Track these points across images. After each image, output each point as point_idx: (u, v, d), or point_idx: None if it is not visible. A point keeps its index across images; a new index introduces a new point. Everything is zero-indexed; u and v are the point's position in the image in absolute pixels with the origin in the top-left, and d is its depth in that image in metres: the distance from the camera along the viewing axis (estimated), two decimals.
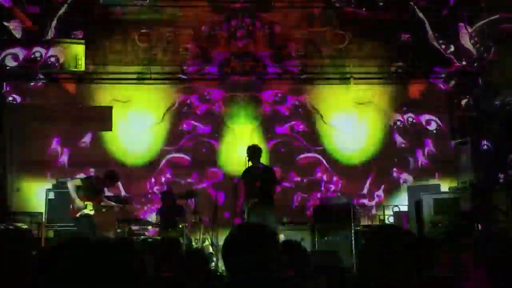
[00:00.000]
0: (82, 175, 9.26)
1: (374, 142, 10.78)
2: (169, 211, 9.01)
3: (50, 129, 10.40)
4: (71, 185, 8.31)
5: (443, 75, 10.79)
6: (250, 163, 8.39)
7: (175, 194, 9.18)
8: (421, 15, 10.82)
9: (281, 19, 10.95)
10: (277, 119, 10.78)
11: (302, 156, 10.69)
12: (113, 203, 8.66)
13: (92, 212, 8.20)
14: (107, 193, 8.93)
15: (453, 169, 10.33)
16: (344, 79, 10.87)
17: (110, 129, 10.48)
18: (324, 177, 10.63)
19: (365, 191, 10.53)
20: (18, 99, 10.37)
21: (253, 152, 8.45)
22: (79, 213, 8.17)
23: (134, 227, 8.65)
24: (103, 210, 8.44)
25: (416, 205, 8.99)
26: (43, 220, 8.96)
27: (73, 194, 8.18)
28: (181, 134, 10.66)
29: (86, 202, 8.19)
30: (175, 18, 10.85)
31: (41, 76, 10.40)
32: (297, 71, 10.91)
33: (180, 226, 8.53)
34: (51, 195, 9.17)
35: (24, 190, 10.01)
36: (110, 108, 10.55)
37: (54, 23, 10.39)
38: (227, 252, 2.37)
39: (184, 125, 10.70)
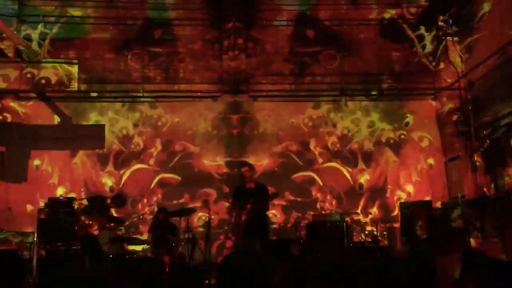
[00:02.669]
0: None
1: (367, 157, 10.87)
2: (162, 228, 8.98)
3: (42, 148, 10.40)
4: (76, 204, 8.36)
5: (433, 92, 10.92)
6: (245, 181, 8.44)
7: (168, 211, 9.15)
8: (410, 32, 11.02)
9: (272, 38, 11.05)
10: (271, 138, 10.82)
11: (297, 175, 10.69)
12: (117, 224, 8.65)
13: (97, 232, 8.26)
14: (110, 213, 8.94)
15: (445, 185, 10.38)
16: (336, 96, 10.96)
17: (103, 148, 10.52)
18: (319, 196, 10.65)
19: (359, 207, 10.55)
20: (10, 118, 10.39)
21: (247, 170, 8.49)
22: (85, 232, 8.23)
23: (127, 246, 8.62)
24: (108, 230, 8.49)
25: (408, 221, 8.98)
26: (35, 239, 8.89)
27: (79, 213, 8.26)
28: (173, 154, 10.69)
29: (91, 222, 8.25)
30: (167, 37, 10.94)
31: (33, 95, 10.44)
32: (289, 89, 10.98)
33: (173, 244, 8.50)
34: (43, 215, 9.10)
35: (15, 209, 9.96)
36: (102, 127, 10.59)
37: (47, 42, 10.50)
38: (221, 278, 2.40)
39: (176, 145, 10.73)
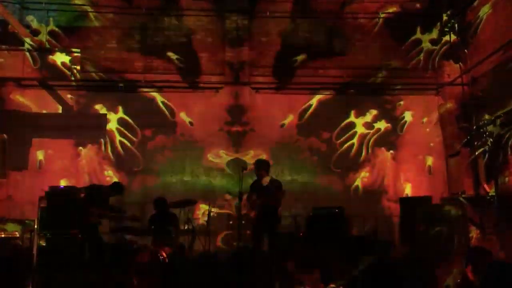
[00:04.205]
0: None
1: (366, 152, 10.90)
2: (162, 219, 8.99)
3: (43, 136, 10.41)
4: (76, 193, 8.42)
5: (435, 87, 10.91)
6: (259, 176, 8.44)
7: (169, 202, 9.16)
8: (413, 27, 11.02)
9: (275, 30, 11.02)
10: (272, 131, 10.81)
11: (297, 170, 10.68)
12: (117, 213, 8.68)
13: (96, 221, 8.32)
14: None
15: (445, 181, 10.39)
16: (338, 89, 10.95)
17: (104, 137, 10.54)
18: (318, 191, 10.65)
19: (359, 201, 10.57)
20: (11, 106, 10.36)
21: (261, 165, 8.47)
22: (85, 221, 8.28)
23: (127, 236, 8.65)
24: (108, 219, 8.53)
25: (408, 216, 9.00)
26: (36, 227, 8.92)
27: (79, 202, 8.33)
28: (176, 146, 10.69)
29: (91, 211, 8.30)
30: (170, 28, 10.90)
31: (36, 84, 10.43)
32: (290, 82, 10.97)
33: (173, 234, 8.52)
34: (44, 203, 9.13)
35: (16, 197, 9.98)
36: (104, 116, 10.60)
37: (49, 31, 10.47)
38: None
39: (178, 137, 10.73)
